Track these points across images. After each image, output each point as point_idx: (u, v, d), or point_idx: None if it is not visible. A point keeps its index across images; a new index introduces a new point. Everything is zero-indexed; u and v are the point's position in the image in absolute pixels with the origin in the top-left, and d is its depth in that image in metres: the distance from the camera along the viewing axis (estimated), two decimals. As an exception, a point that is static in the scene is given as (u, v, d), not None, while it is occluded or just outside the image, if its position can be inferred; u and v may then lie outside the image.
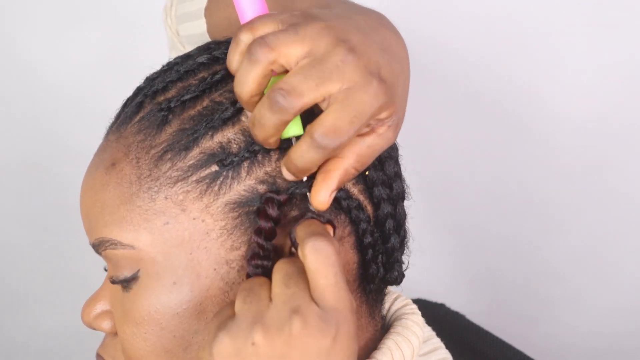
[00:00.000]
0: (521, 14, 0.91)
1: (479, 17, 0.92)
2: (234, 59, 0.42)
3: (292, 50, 0.40)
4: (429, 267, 1.14)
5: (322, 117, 0.40)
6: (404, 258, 0.52)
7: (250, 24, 0.41)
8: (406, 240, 0.52)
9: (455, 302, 0.91)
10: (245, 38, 0.41)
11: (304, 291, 0.41)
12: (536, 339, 1.13)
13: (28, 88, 1.07)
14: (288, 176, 0.43)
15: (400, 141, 0.51)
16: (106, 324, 0.50)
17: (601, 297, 1.08)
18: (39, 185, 1.13)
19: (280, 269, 0.42)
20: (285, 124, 0.41)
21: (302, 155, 0.41)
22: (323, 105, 0.41)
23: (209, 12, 0.61)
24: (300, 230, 0.43)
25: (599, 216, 1.02)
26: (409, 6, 0.90)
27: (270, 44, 0.39)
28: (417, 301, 0.86)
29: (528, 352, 0.82)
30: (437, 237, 1.12)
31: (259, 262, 0.44)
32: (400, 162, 0.53)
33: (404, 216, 0.51)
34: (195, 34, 0.63)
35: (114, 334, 0.50)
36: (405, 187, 0.52)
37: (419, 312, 0.56)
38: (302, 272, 0.42)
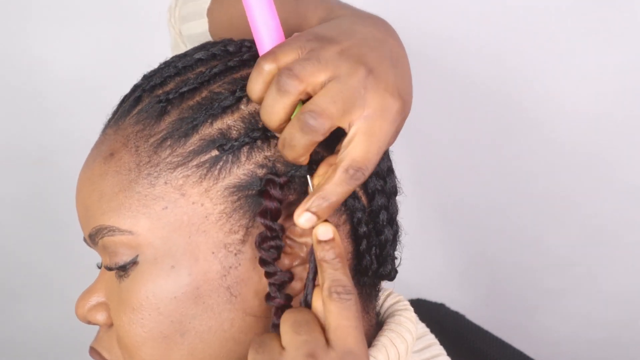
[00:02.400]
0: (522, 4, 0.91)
1: (477, 8, 0.92)
2: (258, 88, 0.43)
3: (318, 78, 0.42)
4: (426, 258, 1.14)
5: (351, 150, 0.42)
6: (397, 255, 0.53)
7: (273, 54, 0.43)
8: (398, 235, 0.52)
9: (452, 294, 0.92)
10: (268, 67, 0.42)
11: (318, 337, 0.41)
12: (534, 330, 1.13)
13: (34, 82, 1.08)
14: (320, 203, 0.43)
15: (399, 140, 0.51)
16: (101, 316, 0.51)
17: (599, 288, 1.08)
18: (44, 179, 1.14)
19: (288, 319, 0.43)
20: (315, 144, 0.42)
21: (335, 190, 0.42)
22: (346, 127, 0.43)
23: (211, 12, 0.62)
24: (324, 270, 0.43)
25: (597, 207, 1.02)
26: None
27: (299, 76, 0.41)
28: (417, 301, 0.87)
29: (526, 344, 0.82)
30: (435, 228, 1.12)
31: (271, 243, 0.44)
32: (395, 158, 0.53)
33: (396, 211, 0.52)
34: (196, 33, 0.64)
35: (108, 325, 0.51)
36: (397, 182, 0.52)
37: (412, 309, 0.56)
38: (311, 320, 0.42)
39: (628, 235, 1.03)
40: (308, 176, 0.45)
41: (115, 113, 0.51)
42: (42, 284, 1.26)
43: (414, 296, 0.84)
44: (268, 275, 0.45)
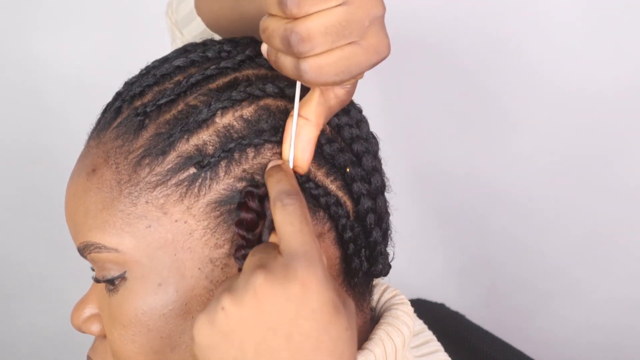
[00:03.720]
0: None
1: (478, 9, 0.92)
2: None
3: None
4: (425, 261, 1.14)
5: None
6: (390, 250, 0.52)
7: None
8: (389, 232, 0.52)
9: (452, 296, 0.92)
10: None
11: (270, 251, 0.41)
12: (533, 333, 1.13)
13: (33, 82, 1.08)
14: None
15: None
16: (95, 327, 0.51)
17: (598, 291, 1.08)
18: (43, 179, 1.14)
19: (252, 251, 0.43)
20: None
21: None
22: None
23: (199, 9, 0.62)
24: (270, 188, 0.44)
25: (597, 210, 1.02)
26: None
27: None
28: (417, 301, 0.87)
29: (525, 347, 0.82)
30: (434, 231, 1.12)
31: (245, 252, 0.44)
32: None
33: (385, 209, 0.51)
34: (198, 32, 0.64)
35: (103, 336, 0.51)
36: (386, 179, 0.52)
37: (408, 302, 0.56)
38: (269, 244, 0.43)
39: (628, 239, 1.03)
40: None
41: (98, 123, 0.51)
42: (40, 285, 1.27)
43: (414, 296, 0.84)
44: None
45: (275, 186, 0.43)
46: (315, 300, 0.39)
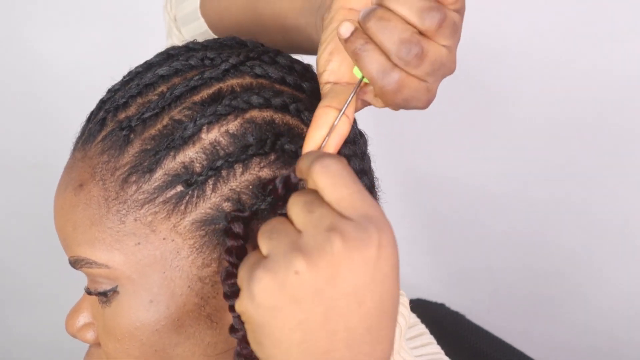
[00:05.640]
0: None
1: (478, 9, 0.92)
2: None
3: None
4: (428, 265, 1.14)
5: None
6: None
7: None
8: None
9: (454, 300, 0.91)
10: None
11: (331, 210, 0.38)
12: (535, 337, 1.13)
13: (31, 86, 1.08)
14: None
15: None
16: (90, 335, 0.51)
17: (600, 295, 1.08)
18: (40, 184, 1.13)
19: (296, 200, 0.39)
20: None
21: None
22: None
23: (204, 9, 0.61)
24: (301, 163, 0.40)
25: (598, 214, 1.02)
26: None
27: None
28: (417, 301, 0.86)
29: (527, 350, 0.82)
30: (437, 236, 1.12)
31: (235, 280, 0.43)
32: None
33: None
34: (199, 33, 0.63)
35: (98, 344, 0.51)
36: (375, 179, 0.52)
37: (404, 293, 0.56)
38: (317, 197, 0.39)
39: (631, 242, 1.03)
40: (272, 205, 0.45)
41: (82, 133, 0.50)
42: (35, 291, 1.26)
43: (414, 296, 0.84)
44: (232, 309, 0.45)
45: (305, 159, 0.40)
46: (389, 264, 0.38)
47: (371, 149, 0.55)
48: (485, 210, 1.07)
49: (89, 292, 0.48)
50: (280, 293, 0.37)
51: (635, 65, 0.91)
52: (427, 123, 1.00)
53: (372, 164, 0.53)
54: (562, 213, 1.04)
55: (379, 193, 0.52)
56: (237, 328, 0.44)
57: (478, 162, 1.03)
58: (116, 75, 0.52)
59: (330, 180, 0.38)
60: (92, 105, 0.51)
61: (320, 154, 0.39)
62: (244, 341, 0.43)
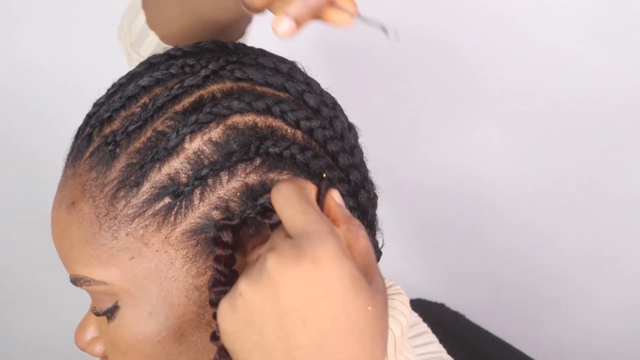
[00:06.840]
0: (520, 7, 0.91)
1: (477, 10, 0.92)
2: None
3: None
4: (429, 267, 1.14)
5: None
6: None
7: None
8: (376, 222, 0.52)
9: (456, 303, 0.91)
10: None
11: (280, 232, 0.41)
12: (537, 339, 1.13)
13: (27, 87, 1.08)
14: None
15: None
16: (99, 349, 0.52)
17: (602, 297, 1.08)
18: (37, 185, 1.13)
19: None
20: None
21: None
22: None
23: (151, 23, 0.60)
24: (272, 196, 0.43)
25: (600, 216, 1.02)
26: None
27: None
28: (417, 301, 0.87)
29: (528, 352, 0.82)
30: (438, 238, 1.12)
31: (221, 288, 0.44)
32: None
33: (368, 204, 0.50)
34: (153, 49, 0.62)
35: (106, 357, 0.52)
36: (369, 174, 0.52)
37: (404, 292, 0.56)
38: (283, 231, 0.42)
39: (631, 245, 1.03)
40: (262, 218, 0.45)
41: (72, 149, 0.51)
42: (33, 293, 1.26)
43: (414, 296, 0.84)
44: (215, 317, 0.45)
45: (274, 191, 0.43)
46: (329, 278, 0.38)
47: (371, 149, 0.54)
48: (485, 210, 1.07)
49: (96, 313, 0.49)
50: (232, 317, 0.40)
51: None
52: (427, 123, 1.00)
53: (372, 164, 0.53)
54: (562, 213, 1.04)
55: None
56: (219, 336, 0.44)
57: (478, 162, 1.03)
58: (116, 76, 0.52)
59: (281, 202, 0.41)
60: (88, 108, 0.51)
61: (278, 183, 0.42)
62: (223, 350, 0.44)
